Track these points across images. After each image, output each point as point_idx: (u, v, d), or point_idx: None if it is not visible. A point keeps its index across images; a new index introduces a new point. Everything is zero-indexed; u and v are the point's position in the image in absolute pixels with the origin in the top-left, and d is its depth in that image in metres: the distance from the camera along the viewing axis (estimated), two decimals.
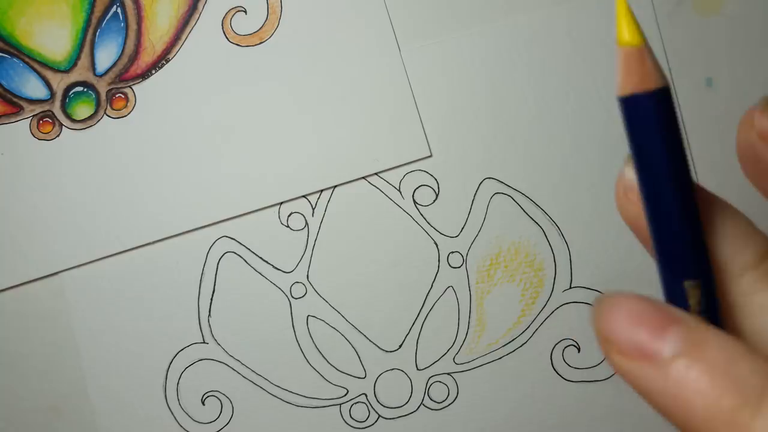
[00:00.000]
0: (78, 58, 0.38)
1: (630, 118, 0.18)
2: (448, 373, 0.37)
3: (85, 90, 0.38)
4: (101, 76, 0.38)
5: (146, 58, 0.38)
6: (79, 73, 0.38)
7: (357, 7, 0.37)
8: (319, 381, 0.37)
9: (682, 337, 0.15)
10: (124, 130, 0.38)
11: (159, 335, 0.37)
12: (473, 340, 0.37)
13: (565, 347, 0.37)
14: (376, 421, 0.37)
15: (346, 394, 0.37)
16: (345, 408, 0.37)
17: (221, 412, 0.37)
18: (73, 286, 0.37)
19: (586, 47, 0.37)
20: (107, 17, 0.38)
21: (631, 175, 0.18)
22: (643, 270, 0.36)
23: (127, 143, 0.38)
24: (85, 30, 0.38)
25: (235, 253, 0.37)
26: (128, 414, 0.37)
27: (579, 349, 0.37)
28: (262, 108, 0.37)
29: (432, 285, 0.37)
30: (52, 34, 0.38)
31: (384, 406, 0.37)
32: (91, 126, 0.38)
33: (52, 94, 0.38)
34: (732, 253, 0.17)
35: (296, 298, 0.37)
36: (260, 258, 0.37)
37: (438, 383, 0.37)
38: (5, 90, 0.38)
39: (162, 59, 0.38)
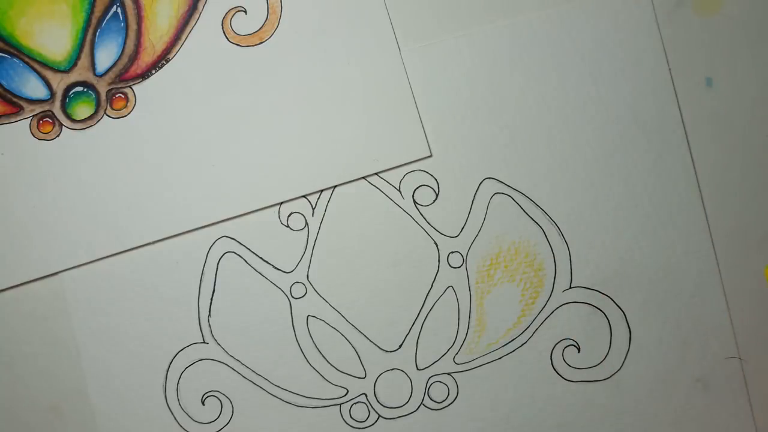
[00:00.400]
0: (78, 58, 0.38)
1: None
2: (448, 373, 0.37)
3: (85, 90, 0.38)
4: (101, 76, 0.38)
5: (146, 58, 0.38)
6: (79, 73, 0.38)
7: (357, 7, 0.37)
8: (319, 381, 0.37)
9: None
10: (124, 130, 0.38)
11: (159, 335, 0.37)
12: (473, 340, 0.37)
13: (565, 347, 0.37)
14: (376, 421, 0.37)
15: (346, 394, 0.37)
16: (345, 408, 0.37)
17: (221, 412, 0.37)
18: (73, 286, 0.37)
19: (586, 47, 0.37)
20: (107, 17, 0.38)
21: None
22: (642, 270, 0.36)
23: (127, 143, 0.38)
24: (85, 30, 0.38)
25: (235, 253, 0.37)
26: (128, 414, 0.37)
27: (579, 349, 0.37)
28: (262, 108, 0.37)
29: (432, 285, 0.37)
30: (52, 34, 0.38)
31: (384, 406, 0.37)
32: (91, 126, 0.38)
33: (52, 94, 0.38)
34: None
35: (296, 298, 0.37)
36: (260, 258, 0.37)
37: (438, 383, 0.37)
38: (5, 90, 0.38)
39: (162, 59, 0.38)
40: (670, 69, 0.37)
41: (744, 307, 0.36)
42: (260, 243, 0.37)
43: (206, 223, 0.37)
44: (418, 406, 0.37)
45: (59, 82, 0.38)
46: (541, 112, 0.37)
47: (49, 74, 0.38)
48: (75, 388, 0.37)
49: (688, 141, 0.37)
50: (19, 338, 0.37)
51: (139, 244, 0.37)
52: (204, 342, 0.37)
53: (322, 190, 0.37)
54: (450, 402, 0.37)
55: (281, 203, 0.37)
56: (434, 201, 0.37)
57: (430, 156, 0.37)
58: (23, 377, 0.37)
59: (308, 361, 0.37)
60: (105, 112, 0.38)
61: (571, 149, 0.37)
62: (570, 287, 0.37)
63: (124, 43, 0.38)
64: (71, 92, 0.38)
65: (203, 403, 0.37)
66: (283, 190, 0.37)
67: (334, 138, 0.37)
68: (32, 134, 0.38)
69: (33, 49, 0.38)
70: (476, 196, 0.37)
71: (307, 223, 0.37)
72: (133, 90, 0.38)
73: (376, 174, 0.37)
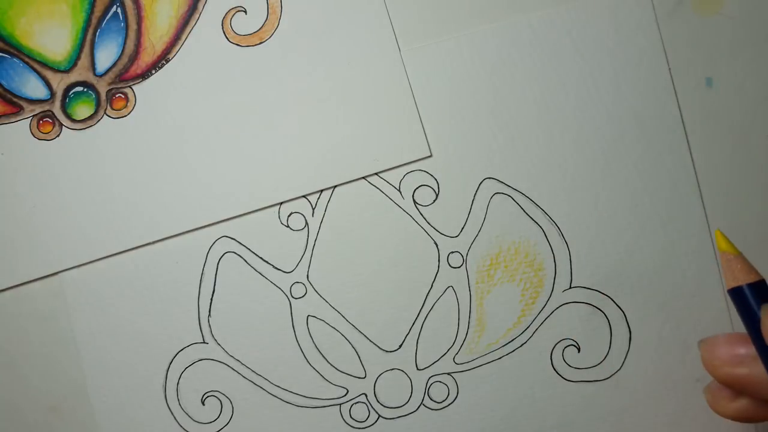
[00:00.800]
0: (78, 58, 0.38)
1: (739, 303, 0.29)
2: (448, 373, 0.37)
3: (85, 90, 0.38)
4: (101, 76, 0.38)
5: (146, 58, 0.38)
6: (79, 73, 0.38)
7: (357, 7, 0.37)
8: (319, 381, 0.37)
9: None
10: (124, 130, 0.38)
11: (159, 335, 0.37)
12: (473, 340, 0.37)
13: (565, 347, 0.37)
14: (376, 421, 0.37)
15: (346, 394, 0.37)
16: (345, 408, 0.37)
17: (221, 412, 0.37)
18: (73, 286, 0.37)
19: (586, 47, 0.37)
20: (107, 17, 0.38)
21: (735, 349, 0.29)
22: (642, 270, 0.36)
23: (127, 143, 0.38)
24: (85, 30, 0.38)
25: (235, 253, 0.37)
26: (128, 414, 0.37)
27: (579, 349, 0.37)
28: (262, 108, 0.37)
29: (432, 285, 0.37)
30: (52, 34, 0.38)
31: (384, 406, 0.37)
32: (91, 126, 0.38)
33: (52, 94, 0.38)
34: None
35: (296, 298, 0.37)
36: (260, 258, 0.37)
37: (438, 383, 0.37)
38: (5, 90, 0.38)
39: (162, 59, 0.38)
40: (670, 69, 0.37)
41: None
42: (260, 243, 0.37)
43: (206, 223, 0.37)
44: (418, 406, 0.37)
45: (59, 82, 0.38)
46: (541, 112, 0.37)
47: (49, 74, 0.38)
48: (75, 388, 0.37)
49: (688, 141, 0.37)
50: (19, 338, 0.37)
51: (139, 244, 0.37)
52: (204, 342, 0.37)
53: (322, 190, 0.37)
54: (450, 402, 0.37)
55: (281, 203, 0.37)
56: (434, 201, 0.37)
57: (430, 156, 0.37)
58: (23, 377, 0.37)
59: (308, 361, 0.37)
60: (105, 112, 0.38)
61: (571, 149, 0.37)
62: (570, 287, 0.37)
63: (124, 43, 0.38)
64: (71, 92, 0.38)
65: (203, 403, 0.37)
66: (283, 190, 0.37)
67: (334, 138, 0.37)
68: (32, 134, 0.38)
69: (33, 49, 0.38)
70: (476, 196, 0.37)
71: (307, 223, 0.37)
72: (133, 90, 0.38)
73: (376, 174, 0.37)
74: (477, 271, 0.37)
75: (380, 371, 0.37)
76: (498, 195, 0.37)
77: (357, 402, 0.37)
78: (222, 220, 0.37)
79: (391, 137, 0.37)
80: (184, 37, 0.38)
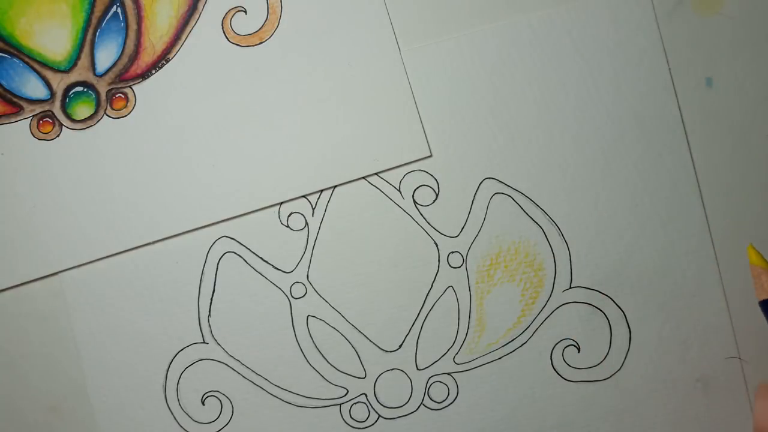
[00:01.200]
0: (78, 58, 0.38)
1: None
2: (448, 373, 0.37)
3: (85, 90, 0.38)
4: (101, 76, 0.38)
5: (146, 58, 0.38)
6: (79, 73, 0.38)
7: (357, 7, 0.37)
8: (319, 381, 0.37)
9: None
10: (124, 130, 0.38)
11: (159, 335, 0.37)
12: (473, 340, 0.37)
13: (565, 347, 0.37)
14: (376, 421, 0.37)
15: (346, 394, 0.37)
16: (345, 408, 0.37)
17: (221, 412, 0.37)
18: (73, 286, 0.37)
19: (586, 47, 0.37)
20: (107, 17, 0.38)
21: None
22: (642, 270, 0.36)
23: (127, 143, 0.38)
24: (85, 30, 0.38)
25: (235, 253, 0.37)
26: (128, 414, 0.37)
27: (579, 349, 0.37)
28: (261, 108, 0.37)
29: (432, 285, 0.37)
30: (52, 34, 0.38)
31: (384, 406, 0.37)
32: (91, 126, 0.38)
33: (52, 94, 0.38)
34: None
35: (296, 298, 0.37)
36: (260, 258, 0.37)
37: (438, 383, 0.37)
38: (5, 90, 0.38)
39: (162, 59, 0.38)
40: (670, 69, 0.37)
41: (744, 307, 0.36)
42: (260, 243, 0.37)
43: (206, 223, 0.37)
44: (418, 406, 0.37)
45: (59, 82, 0.38)
46: (540, 112, 0.37)
47: (49, 74, 0.38)
48: (75, 388, 0.37)
49: (688, 141, 0.37)
50: (19, 338, 0.37)
51: (139, 244, 0.37)
52: (204, 342, 0.37)
53: (322, 190, 0.37)
54: (450, 402, 0.37)
55: (281, 203, 0.37)
56: (434, 201, 0.37)
57: (430, 156, 0.37)
58: (23, 377, 0.37)
59: (308, 361, 0.37)
60: (105, 112, 0.38)
61: (571, 149, 0.37)
62: (570, 287, 0.37)
63: (124, 43, 0.38)
64: (71, 92, 0.38)
65: (203, 403, 0.37)
66: (283, 190, 0.37)
67: (334, 138, 0.37)
68: (32, 134, 0.38)
69: (33, 49, 0.38)
70: (476, 196, 0.37)
71: (307, 223, 0.37)
72: (133, 90, 0.38)
73: (376, 174, 0.37)
74: (477, 271, 0.37)
75: (380, 371, 0.37)
76: (498, 195, 0.37)
77: (357, 402, 0.37)
78: (222, 220, 0.37)
79: (391, 137, 0.37)
80: (184, 37, 0.38)
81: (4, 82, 0.38)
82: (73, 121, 0.38)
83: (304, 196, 0.37)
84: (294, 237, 0.37)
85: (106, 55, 0.38)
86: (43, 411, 0.37)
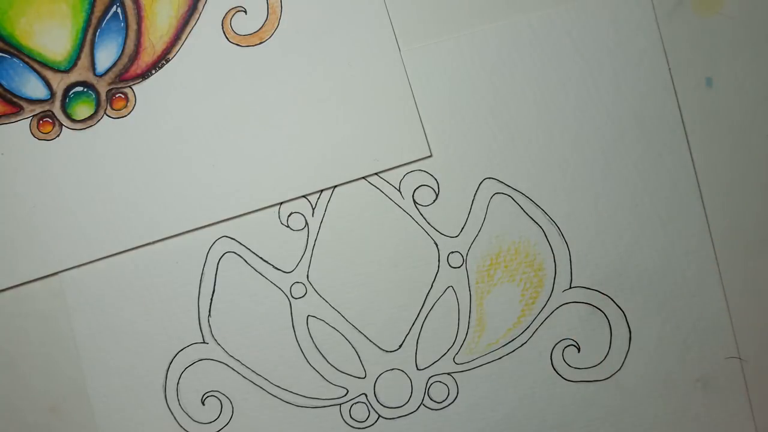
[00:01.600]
0: (78, 58, 0.38)
1: None
2: (448, 373, 0.37)
3: (85, 90, 0.38)
4: (101, 76, 0.38)
5: (146, 58, 0.38)
6: (79, 73, 0.38)
7: (357, 7, 0.37)
8: (319, 381, 0.37)
9: None
10: (124, 130, 0.38)
11: (159, 335, 0.37)
12: (473, 340, 0.37)
13: (565, 347, 0.37)
14: (376, 421, 0.37)
15: (346, 394, 0.37)
16: (345, 408, 0.37)
17: (221, 412, 0.37)
18: (73, 286, 0.37)
19: (586, 47, 0.37)
20: (107, 17, 0.38)
21: None
22: (642, 270, 0.36)
23: (127, 143, 0.38)
24: (85, 30, 0.38)
25: (235, 253, 0.37)
26: (128, 414, 0.37)
27: (579, 349, 0.37)
28: (261, 108, 0.37)
29: (432, 285, 0.37)
30: (52, 34, 0.38)
31: (384, 406, 0.37)
32: (91, 126, 0.38)
33: (52, 94, 0.38)
34: None
35: (296, 298, 0.37)
36: (260, 258, 0.37)
37: (438, 383, 0.37)
38: (5, 90, 0.38)
39: (162, 59, 0.38)
40: (670, 69, 0.37)
41: (744, 307, 0.36)
42: (260, 243, 0.37)
43: (206, 223, 0.37)
44: (418, 406, 0.37)
45: (59, 82, 0.38)
46: (540, 112, 0.37)
47: (49, 74, 0.38)
48: (75, 388, 0.37)
49: (688, 141, 0.37)
50: (19, 338, 0.37)
51: (139, 244, 0.37)
52: (204, 342, 0.37)
53: (322, 190, 0.37)
54: (450, 402, 0.37)
55: (281, 203, 0.37)
56: (434, 201, 0.37)
57: (430, 156, 0.37)
58: (23, 377, 0.37)
59: (308, 361, 0.37)
60: (105, 112, 0.38)
61: (571, 149, 0.37)
62: (570, 287, 0.37)
63: (124, 43, 0.38)
64: (71, 92, 0.38)
65: (203, 403, 0.37)
66: (283, 190, 0.37)
67: (334, 138, 0.37)
68: (32, 134, 0.38)
69: (33, 49, 0.38)
70: (476, 196, 0.37)
71: (307, 223, 0.37)
72: (133, 90, 0.38)
73: (376, 174, 0.37)
74: (477, 271, 0.37)
75: (380, 371, 0.37)
76: (498, 195, 0.37)
77: (357, 402, 0.37)
78: (222, 220, 0.37)
79: (391, 137, 0.37)
80: (184, 37, 0.38)
81: (4, 82, 0.38)
82: (73, 121, 0.38)
83: (304, 196, 0.37)
84: (294, 237, 0.37)
85: (106, 55, 0.38)
86: (42, 411, 0.37)
